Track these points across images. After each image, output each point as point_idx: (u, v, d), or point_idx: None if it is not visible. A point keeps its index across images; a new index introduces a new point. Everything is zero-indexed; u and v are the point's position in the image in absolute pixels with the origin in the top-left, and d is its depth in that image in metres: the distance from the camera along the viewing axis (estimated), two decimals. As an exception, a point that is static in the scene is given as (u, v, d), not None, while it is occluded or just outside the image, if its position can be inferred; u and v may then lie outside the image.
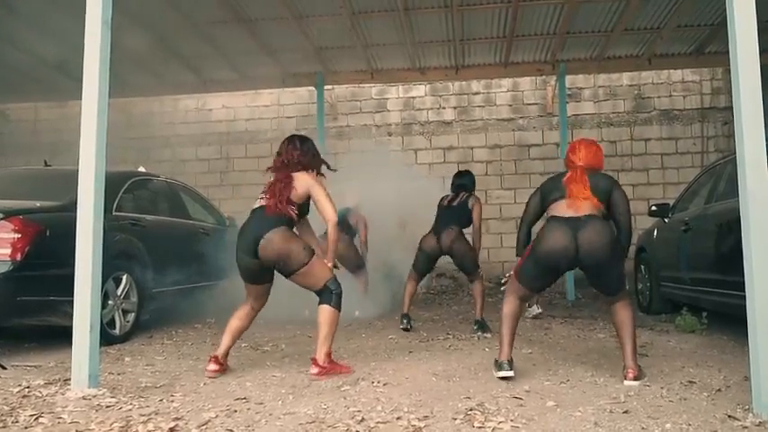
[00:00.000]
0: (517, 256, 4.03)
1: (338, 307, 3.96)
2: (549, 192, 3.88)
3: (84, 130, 3.59)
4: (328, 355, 3.94)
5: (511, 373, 3.68)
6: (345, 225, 7.14)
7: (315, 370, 3.84)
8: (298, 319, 6.04)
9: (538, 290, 3.94)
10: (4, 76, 9.38)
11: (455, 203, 5.99)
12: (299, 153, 4.12)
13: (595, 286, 3.95)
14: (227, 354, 4.06)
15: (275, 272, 4.03)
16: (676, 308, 6.33)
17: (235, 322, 4.06)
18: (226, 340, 4.03)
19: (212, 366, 3.93)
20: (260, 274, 3.99)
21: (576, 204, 3.69)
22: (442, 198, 6.16)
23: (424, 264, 6.08)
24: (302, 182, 4.02)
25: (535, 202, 3.99)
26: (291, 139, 4.24)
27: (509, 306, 3.86)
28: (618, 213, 3.78)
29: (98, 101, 3.60)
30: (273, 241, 3.84)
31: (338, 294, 3.97)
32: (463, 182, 6.16)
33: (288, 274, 3.95)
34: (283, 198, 3.93)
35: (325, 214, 4.01)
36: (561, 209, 3.74)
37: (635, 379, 3.59)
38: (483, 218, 6.03)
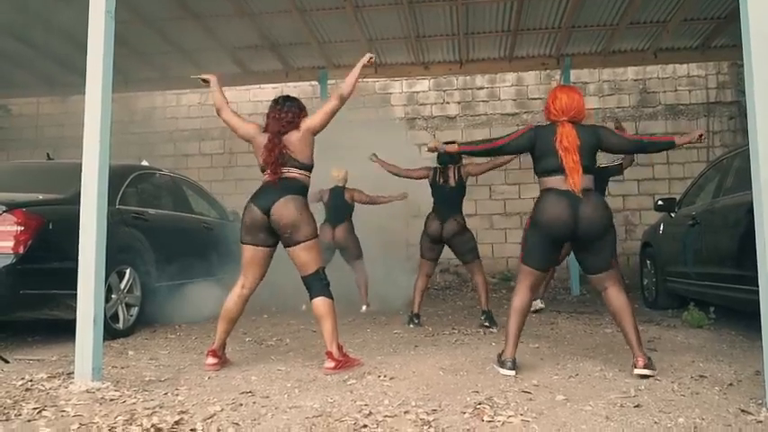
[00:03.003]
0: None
1: (331, 296, 3.93)
2: (543, 153, 3.76)
3: (87, 121, 3.55)
4: (340, 347, 3.91)
5: (513, 373, 3.65)
6: (342, 204, 7.06)
7: (331, 363, 3.79)
8: (301, 314, 6.02)
9: (544, 268, 3.82)
10: (5, 71, 9.35)
11: (453, 183, 5.83)
12: (289, 114, 4.03)
13: (582, 261, 3.88)
14: (224, 345, 4.03)
15: (274, 254, 4.03)
16: (683, 303, 6.29)
17: (228, 308, 3.99)
18: (221, 329, 3.98)
19: (211, 360, 3.90)
20: (262, 234, 3.92)
21: (573, 179, 3.65)
22: (435, 173, 5.93)
23: (431, 249, 5.96)
24: (297, 136, 3.97)
25: (522, 146, 3.89)
26: (276, 102, 4.13)
27: (519, 299, 3.80)
28: (619, 146, 3.79)
29: (102, 92, 3.56)
30: (287, 204, 3.83)
31: (328, 284, 3.96)
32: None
33: (291, 244, 3.89)
34: (279, 173, 3.93)
35: (340, 89, 4.01)
36: (558, 183, 3.69)
37: (645, 366, 3.53)
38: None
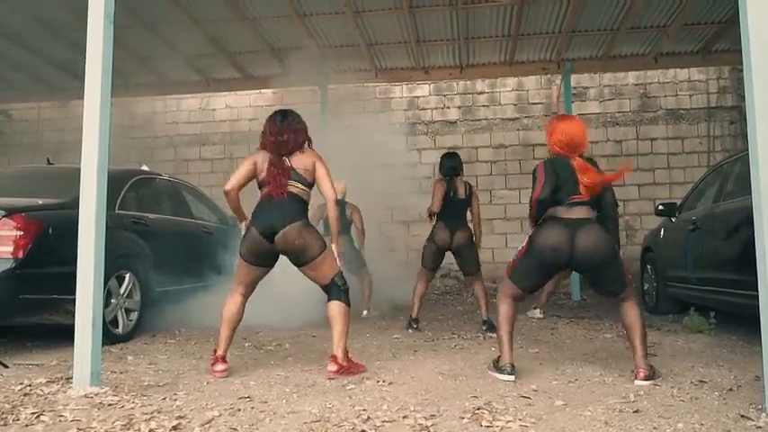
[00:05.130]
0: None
1: (348, 302, 3.94)
2: (564, 182, 3.69)
3: (86, 126, 3.55)
4: (346, 352, 3.90)
5: (512, 378, 3.64)
6: (342, 217, 7.06)
7: (334, 367, 3.78)
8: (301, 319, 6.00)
9: (530, 290, 3.89)
10: (6, 76, 9.37)
11: (462, 195, 5.92)
12: (292, 131, 3.98)
13: (598, 288, 3.91)
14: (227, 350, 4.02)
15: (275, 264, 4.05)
16: (684, 308, 6.27)
17: (229, 315, 3.98)
18: (224, 335, 3.95)
19: (220, 366, 3.86)
20: (266, 258, 3.96)
21: (574, 209, 3.67)
22: (448, 184, 5.93)
23: (434, 258, 6.00)
24: (304, 160, 3.95)
25: (551, 177, 3.71)
26: (275, 117, 4.05)
27: (505, 308, 3.82)
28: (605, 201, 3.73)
29: (101, 96, 3.55)
30: (292, 234, 3.83)
31: (346, 290, 3.96)
32: (455, 164, 6.01)
33: (300, 265, 3.93)
34: (284, 186, 3.90)
35: (325, 192, 3.96)
36: (560, 211, 3.71)
37: (646, 378, 3.53)
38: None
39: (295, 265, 3.97)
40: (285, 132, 3.97)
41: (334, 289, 3.93)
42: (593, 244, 3.61)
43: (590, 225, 3.65)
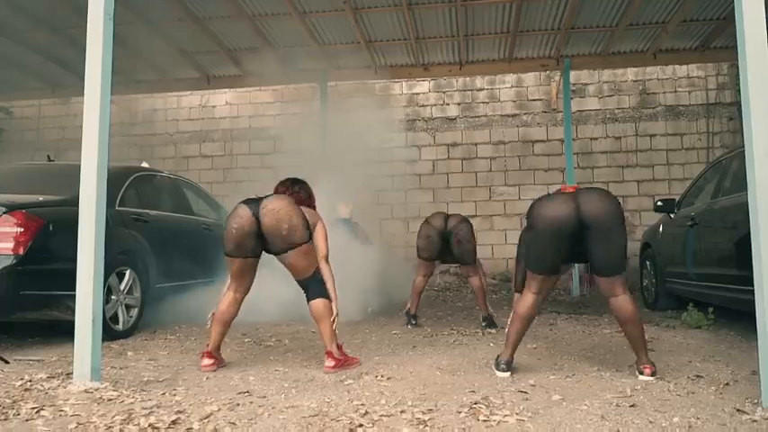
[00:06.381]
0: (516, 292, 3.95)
1: (329, 297, 3.93)
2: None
3: (86, 123, 3.56)
4: (340, 346, 3.95)
5: (506, 375, 3.65)
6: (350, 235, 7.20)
7: (331, 363, 3.81)
8: (301, 317, 6.01)
9: (551, 271, 3.66)
10: (7, 73, 9.38)
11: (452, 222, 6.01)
12: (299, 195, 4.22)
13: (594, 259, 3.62)
14: (218, 347, 4.03)
15: (261, 259, 4.04)
16: (682, 304, 6.29)
17: (222, 311, 3.99)
18: (215, 332, 3.98)
19: (207, 361, 3.91)
20: (248, 241, 3.83)
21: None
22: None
23: (431, 246, 5.93)
24: (310, 214, 4.08)
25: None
26: (285, 183, 4.34)
27: (521, 304, 3.73)
28: None
29: (101, 94, 3.56)
30: (280, 205, 3.83)
31: (324, 284, 3.97)
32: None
33: (284, 248, 3.82)
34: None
35: (318, 247, 4.03)
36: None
37: (653, 375, 3.52)
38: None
39: (278, 251, 3.85)
40: (291, 190, 4.27)
41: (314, 285, 3.91)
42: (599, 201, 3.53)
43: (593, 189, 3.67)
